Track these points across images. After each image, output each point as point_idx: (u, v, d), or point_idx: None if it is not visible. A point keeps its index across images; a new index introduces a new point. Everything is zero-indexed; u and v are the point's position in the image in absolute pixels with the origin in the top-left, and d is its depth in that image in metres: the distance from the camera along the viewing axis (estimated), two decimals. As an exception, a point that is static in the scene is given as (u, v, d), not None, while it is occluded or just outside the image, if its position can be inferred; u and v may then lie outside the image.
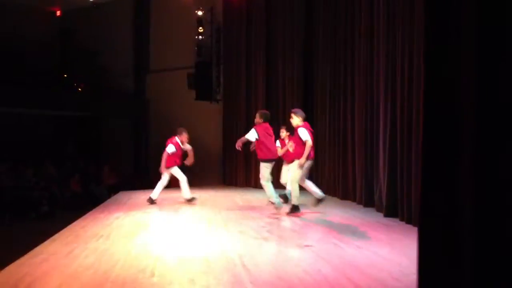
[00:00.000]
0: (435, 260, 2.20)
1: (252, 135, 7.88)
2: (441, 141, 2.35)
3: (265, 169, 7.87)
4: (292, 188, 7.75)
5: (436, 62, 2.45)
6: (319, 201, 7.71)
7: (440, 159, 2.27)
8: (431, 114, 2.43)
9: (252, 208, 8.59)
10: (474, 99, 2.20)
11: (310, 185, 7.76)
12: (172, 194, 10.45)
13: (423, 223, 2.34)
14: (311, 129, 7.75)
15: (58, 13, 17.56)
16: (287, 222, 7.35)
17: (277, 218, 7.56)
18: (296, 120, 7.66)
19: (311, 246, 5.58)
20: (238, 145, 7.97)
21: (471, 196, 2.11)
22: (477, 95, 2.17)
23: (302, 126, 7.59)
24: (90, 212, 8.27)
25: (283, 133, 8.86)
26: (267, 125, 8.02)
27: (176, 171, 9.12)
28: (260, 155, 7.94)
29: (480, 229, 2.05)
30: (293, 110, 7.93)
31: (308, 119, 10.69)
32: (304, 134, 7.45)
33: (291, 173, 7.95)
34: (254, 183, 11.96)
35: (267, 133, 7.93)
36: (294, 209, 7.62)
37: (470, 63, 2.19)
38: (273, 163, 8.01)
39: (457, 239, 2.14)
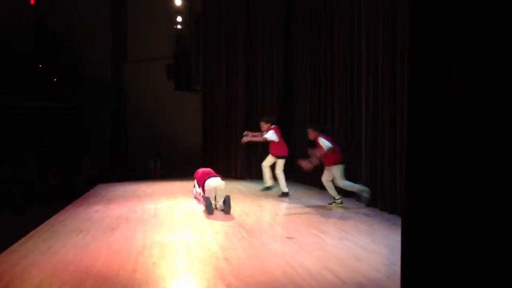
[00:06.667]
0: (419, 257, 2.22)
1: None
2: (426, 135, 2.35)
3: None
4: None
5: (421, 55, 2.45)
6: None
7: (425, 156, 2.27)
8: (417, 108, 2.42)
9: (233, 199, 8.57)
10: (460, 93, 2.19)
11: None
12: (153, 186, 10.36)
13: (407, 218, 2.36)
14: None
15: (32, 1, 17.12)
16: (268, 214, 7.36)
17: (258, 209, 7.58)
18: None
19: (292, 238, 5.61)
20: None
21: (457, 192, 2.13)
22: (463, 90, 2.17)
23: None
24: (69, 206, 8.15)
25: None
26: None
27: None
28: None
29: (466, 225, 2.07)
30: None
31: (288, 107, 10.69)
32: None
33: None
34: (234, 174, 11.93)
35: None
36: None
37: (457, 58, 2.19)
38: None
39: (442, 235, 2.16)
